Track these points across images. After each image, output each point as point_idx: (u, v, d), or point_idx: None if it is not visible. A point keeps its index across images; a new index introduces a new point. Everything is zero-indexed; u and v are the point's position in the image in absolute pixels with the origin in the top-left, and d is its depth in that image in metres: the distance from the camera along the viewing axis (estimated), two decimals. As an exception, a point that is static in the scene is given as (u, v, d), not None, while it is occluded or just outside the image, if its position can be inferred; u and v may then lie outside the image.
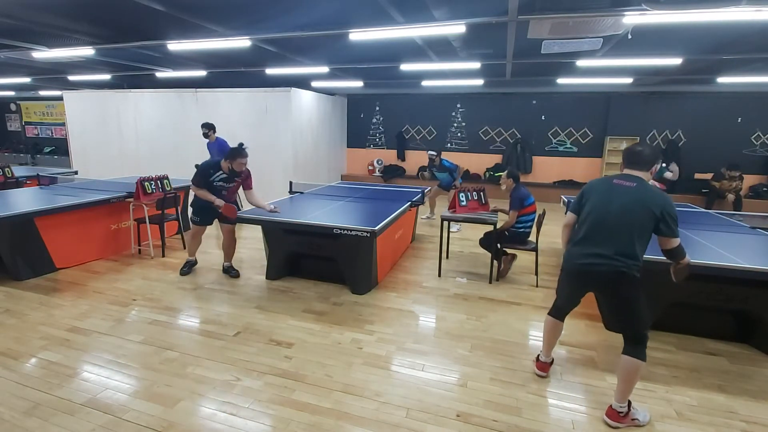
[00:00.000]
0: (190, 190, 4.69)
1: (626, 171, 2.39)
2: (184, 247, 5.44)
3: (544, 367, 2.77)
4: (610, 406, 2.34)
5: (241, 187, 4.40)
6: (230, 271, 4.50)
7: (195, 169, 4.27)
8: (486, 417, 2.35)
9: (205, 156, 7.36)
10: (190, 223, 4.45)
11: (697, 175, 9.12)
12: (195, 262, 4.61)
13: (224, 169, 4.12)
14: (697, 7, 3.38)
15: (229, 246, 4.49)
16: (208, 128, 6.67)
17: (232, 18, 4.86)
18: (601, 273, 2.29)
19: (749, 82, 7.70)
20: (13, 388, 2.53)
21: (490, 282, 4.41)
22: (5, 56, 6.66)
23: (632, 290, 2.27)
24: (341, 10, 4.49)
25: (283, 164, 8.60)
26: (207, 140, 6.73)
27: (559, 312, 2.69)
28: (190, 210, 4.51)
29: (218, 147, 6.94)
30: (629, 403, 2.31)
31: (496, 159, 10.51)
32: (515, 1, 3.66)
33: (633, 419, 2.31)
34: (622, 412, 2.29)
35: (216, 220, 4.39)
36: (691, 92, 8.93)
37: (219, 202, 4.11)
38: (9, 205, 4.31)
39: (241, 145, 4.09)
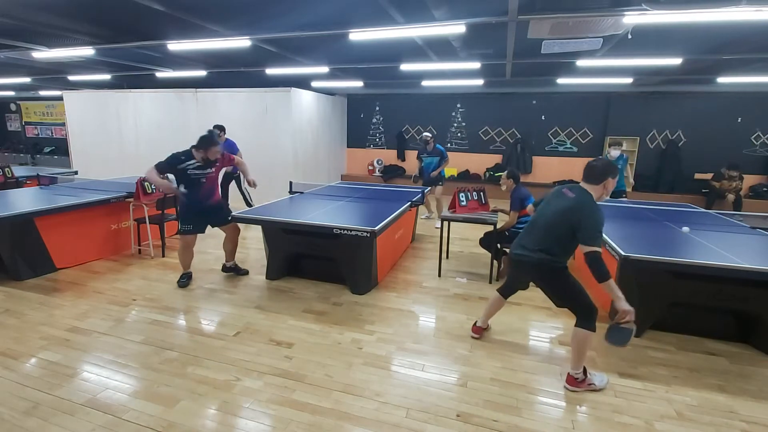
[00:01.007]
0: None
1: (580, 183, 2.63)
2: (184, 247, 5.44)
3: (477, 330, 3.24)
4: (569, 373, 2.64)
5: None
6: (238, 270, 4.48)
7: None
8: (486, 417, 2.35)
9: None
10: (181, 234, 4.07)
11: (697, 175, 9.11)
12: (191, 274, 4.35)
13: (197, 158, 3.90)
14: (697, 7, 3.38)
15: (234, 243, 4.43)
16: (221, 130, 6.96)
17: (232, 18, 4.86)
18: (524, 263, 2.72)
19: (749, 82, 7.71)
20: (13, 388, 2.53)
21: (490, 282, 4.41)
22: (5, 56, 6.66)
23: (555, 277, 2.64)
24: (341, 10, 4.49)
25: (283, 164, 8.60)
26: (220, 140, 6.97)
27: (503, 290, 3.13)
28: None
29: (227, 147, 7.19)
30: (584, 369, 2.62)
31: (496, 159, 10.51)
32: (515, 1, 3.66)
33: (589, 384, 2.61)
34: (578, 378, 2.61)
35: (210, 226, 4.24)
36: (691, 92, 8.93)
37: (166, 185, 3.90)
38: (9, 205, 4.32)
39: (211, 131, 3.94)
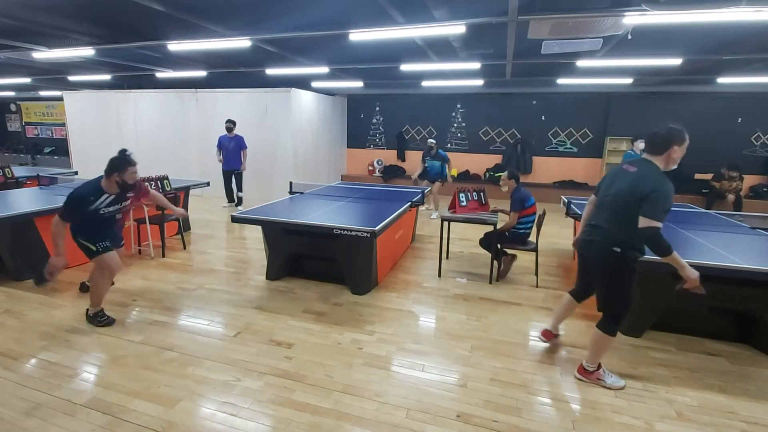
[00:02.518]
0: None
1: (643, 155, 2.48)
2: (185, 248, 5.45)
3: (547, 335, 3.15)
4: (581, 363, 2.70)
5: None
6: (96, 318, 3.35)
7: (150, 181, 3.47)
8: (486, 417, 2.35)
9: (203, 156, 7.42)
10: (96, 255, 3.21)
11: (697, 176, 9.11)
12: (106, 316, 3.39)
13: (108, 190, 3.17)
14: (697, 7, 3.38)
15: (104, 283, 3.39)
16: (234, 123, 7.63)
17: (233, 18, 4.86)
18: (591, 247, 2.59)
19: (749, 83, 7.71)
20: (13, 388, 2.53)
21: (491, 282, 4.41)
22: (5, 56, 6.66)
23: (619, 269, 2.48)
24: (341, 11, 4.49)
25: (283, 164, 8.61)
26: (227, 134, 7.63)
27: (576, 292, 2.96)
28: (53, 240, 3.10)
29: (237, 143, 7.70)
30: (600, 365, 2.65)
31: (496, 159, 10.51)
32: (515, 2, 3.66)
33: (598, 378, 2.64)
34: (588, 369, 2.67)
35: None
36: (691, 92, 8.93)
37: (55, 260, 3.08)
38: (9, 206, 4.32)
39: (123, 151, 3.20)
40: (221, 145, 7.77)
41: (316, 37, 5.04)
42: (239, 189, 7.99)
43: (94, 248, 3.21)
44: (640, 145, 6.46)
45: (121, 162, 3.14)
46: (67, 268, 4.53)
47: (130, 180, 3.19)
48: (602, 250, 2.50)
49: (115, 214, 3.29)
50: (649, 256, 2.99)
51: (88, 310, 3.40)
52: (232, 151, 7.72)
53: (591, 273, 2.71)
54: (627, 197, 2.37)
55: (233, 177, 7.92)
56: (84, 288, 3.91)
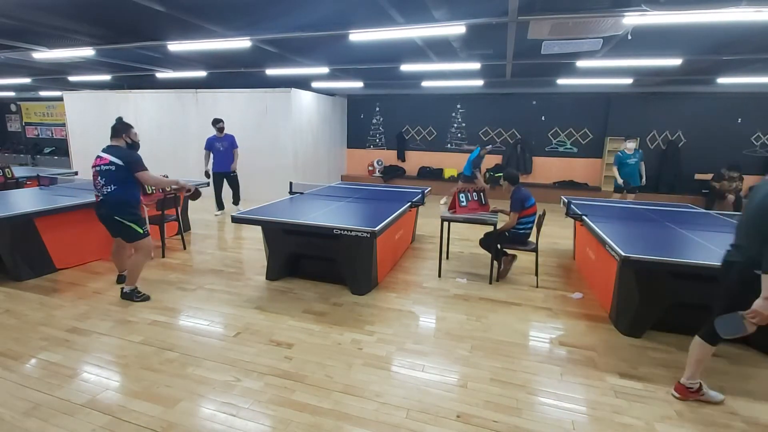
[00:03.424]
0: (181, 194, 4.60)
1: None
2: (184, 248, 5.45)
3: (683, 392, 2.56)
4: (680, 381, 2.55)
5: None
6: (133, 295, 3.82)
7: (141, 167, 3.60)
8: (486, 417, 2.35)
9: (203, 156, 7.42)
10: (143, 237, 3.70)
11: (697, 176, 9.12)
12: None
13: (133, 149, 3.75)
14: (697, 7, 3.39)
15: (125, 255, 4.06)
16: (223, 122, 7.30)
17: (233, 18, 4.86)
18: (730, 270, 2.35)
19: (749, 83, 7.71)
20: (13, 388, 2.53)
21: (491, 282, 4.41)
22: (5, 57, 6.66)
23: (747, 282, 2.19)
24: (341, 11, 4.50)
25: (283, 164, 8.61)
26: (216, 134, 7.30)
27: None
28: (126, 222, 3.63)
29: (230, 142, 7.41)
30: (700, 384, 2.50)
31: (496, 159, 10.50)
32: (515, 2, 3.66)
33: (702, 395, 2.51)
34: (692, 388, 2.51)
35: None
36: (691, 93, 8.94)
37: (180, 181, 3.89)
38: (9, 206, 4.31)
39: (120, 119, 3.80)
40: (211, 146, 7.24)
41: (316, 37, 5.04)
42: (237, 191, 7.59)
43: (141, 231, 3.66)
44: (630, 144, 6.67)
45: (123, 124, 3.72)
46: (76, 265, 4.55)
47: (137, 139, 3.76)
48: (740, 272, 2.26)
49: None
50: (650, 256, 3.01)
51: (123, 288, 3.81)
52: (224, 151, 7.24)
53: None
54: (763, 210, 2.19)
55: (225, 180, 7.42)
56: (121, 279, 4.11)
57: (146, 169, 3.62)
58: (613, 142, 9.55)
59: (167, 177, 3.85)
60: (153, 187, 5.05)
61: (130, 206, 3.62)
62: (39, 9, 4.61)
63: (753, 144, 8.98)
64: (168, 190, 5.02)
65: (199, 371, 2.74)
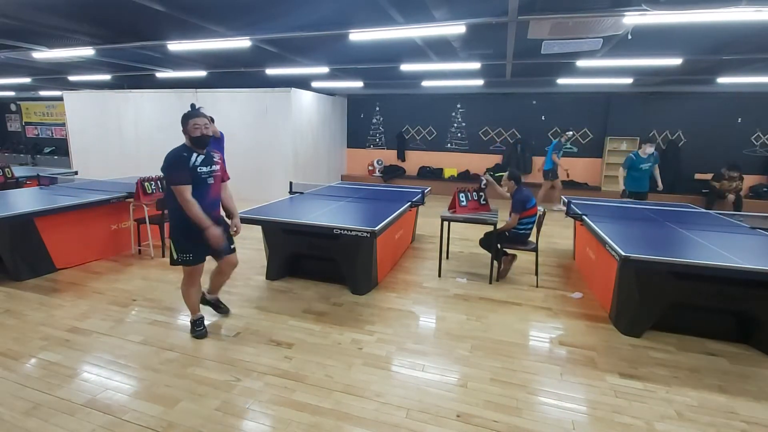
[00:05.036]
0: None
1: None
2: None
3: None
4: None
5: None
6: (218, 307, 3.53)
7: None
8: (486, 417, 2.35)
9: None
10: (181, 263, 3.00)
11: (697, 176, 9.12)
12: (203, 318, 3.29)
13: (194, 147, 2.92)
14: (697, 7, 3.38)
15: (227, 277, 3.44)
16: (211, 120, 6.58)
17: (233, 18, 4.86)
18: None
19: (749, 83, 7.71)
20: (13, 388, 2.53)
21: (490, 282, 4.41)
22: (5, 56, 6.66)
23: None
24: (341, 11, 4.50)
25: (283, 164, 8.61)
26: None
27: None
28: (169, 243, 3.06)
29: (223, 141, 6.58)
30: None
31: (496, 159, 10.51)
32: (515, 2, 3.66)
33: None
34: None
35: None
36: (691, 92, 8.93)
37: (211, 229, 2.85)
38: (9, 206, 4.31)
39: (192, 105, 3.00)
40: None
41: (316, 37, 5.04)
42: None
43: (174, 257, 2.97)
44: (649, 149, 6.10)
45: (185, 116, 2.91)
46: (76, 265, 4.55)
47: (194, 133, 2.87)
48: None
49: (207, 177, 2.92)
50: (650, 256, 3.01)
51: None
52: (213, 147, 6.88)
53: None
54: None
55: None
56: (203, 301, 3.46)
57: (180, 184, 2.78)
58: (613, 142, 9.56)
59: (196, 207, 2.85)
60: (153, 187, 5.06)
61: (172, 218, 2.97)
62: (39, 9, 4.61)
63: (753, 144, 8.98)
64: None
65: (199, 371, 2.74)
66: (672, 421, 2.36)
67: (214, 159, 3.01)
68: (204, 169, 2.90)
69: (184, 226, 2.90)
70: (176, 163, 2.80)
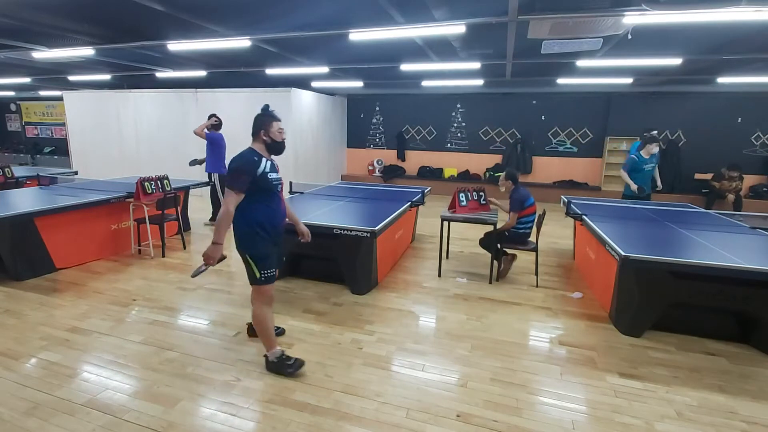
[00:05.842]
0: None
1: None
2: (184, 248, 5.45)
3: None
4: None
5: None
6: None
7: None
8: (486, 417, 2.35)
9: (203, 156, 7.35)
10: (264, 281, 2.73)
11: (697, 175, 9.11)
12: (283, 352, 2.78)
13: (263, 153, 2.71)
14: (697, 7, 3.38)
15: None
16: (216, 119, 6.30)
17: (233, 18, 4.86)
18: None
19: (749, 82, 7.70)
20: (13, 388, 2.53)
21: (490, 282, 4.41)
22: (5, 56, 6.66)
23: None
24: (341, 11, 4.49)
25: (283, 164, 8.52)
26: (218, 131, 6.35)
27: None
28: (249, 262, 2.73)
29: (210, 138, 6.30)
30: None
31: (496, 159, 10.51)
32: (515, 1, 3.66)
33: None
34: None
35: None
36: (691, 92, 8.93)
37: (219, 247, 2.60)
38: (9, 205, 4.31)
39: (267, 107, 2.84)
40: (222, 145, 6.40)
41: (316, 37, 5.04)
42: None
43: (257, 274, 2.67)
44: (654, 149, 5.68)
45: (266, 117, 2.72)
46: (76, 265, 4.55)
47: (279, 137, 2.73)
48: None
49: (278, 185, 2.73)
50: (650, 256, 3.01)
51: (266, 356, 2.76)
52: (208, 150, 6.38)
53: None
54: None
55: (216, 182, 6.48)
56: (252, 331, 3.13)
57: (239, 191, 2.52)
58: (613, 142, 9.55)
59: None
60: (153, 187, 5.06)
61: (244, 232, 2.66)
62: (39, 9, 4.60)
63: (753, 144, 8.98)
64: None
65: (199, 371, 2.74)
66: (672, 420, 2.36)
67: (276, 165, 2.79)
68: (274, 175, 2.68)
69: (265, 234, 2.63)
70: (247, 167, 2.54)
